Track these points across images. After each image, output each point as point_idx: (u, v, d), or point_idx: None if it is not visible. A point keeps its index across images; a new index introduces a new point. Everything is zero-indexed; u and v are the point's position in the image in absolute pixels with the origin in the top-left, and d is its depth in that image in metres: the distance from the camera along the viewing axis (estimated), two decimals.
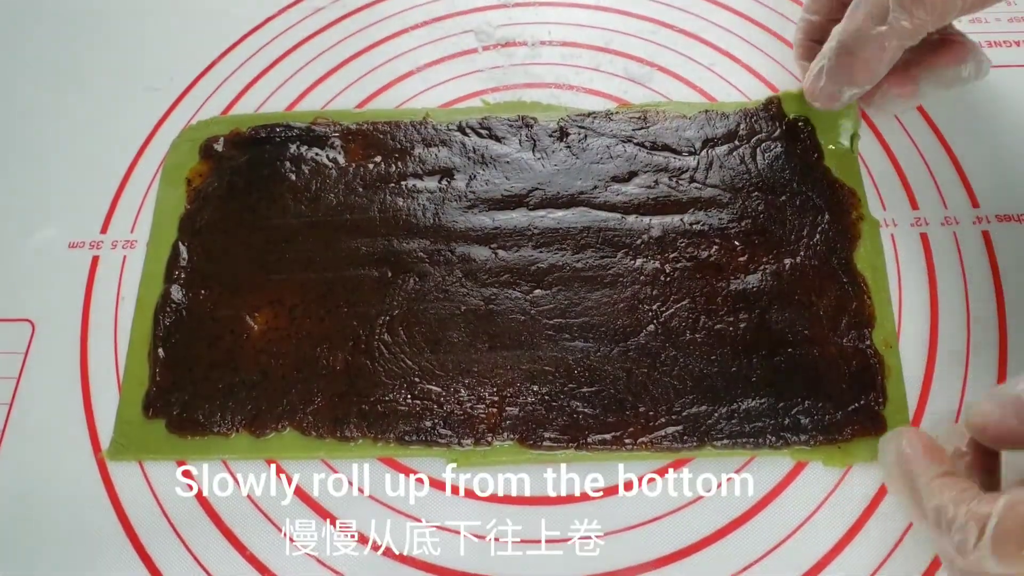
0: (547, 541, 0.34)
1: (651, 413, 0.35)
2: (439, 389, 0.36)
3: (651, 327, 0.37)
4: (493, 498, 0.35)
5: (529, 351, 0.37)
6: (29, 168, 0.44)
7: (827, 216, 0.39)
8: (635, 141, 0.42)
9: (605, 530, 0.34)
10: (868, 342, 0.36)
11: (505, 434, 0.35)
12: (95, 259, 0.41)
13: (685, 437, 0.35)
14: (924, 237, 0.40)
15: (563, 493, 0.35)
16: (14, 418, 0.37)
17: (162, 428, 0.36)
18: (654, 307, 0.38)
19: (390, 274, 0.39)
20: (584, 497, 0.35)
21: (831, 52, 0.37)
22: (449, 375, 0.36)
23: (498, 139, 0.42)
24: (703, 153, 0.41)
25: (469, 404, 0.36)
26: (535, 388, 0.36)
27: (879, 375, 0.36)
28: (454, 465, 0.35)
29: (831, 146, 0.41)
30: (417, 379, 0.36)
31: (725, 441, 0.35)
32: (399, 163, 0.42)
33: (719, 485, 0.35)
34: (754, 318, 0.37)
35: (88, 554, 0.34)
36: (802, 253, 0.38)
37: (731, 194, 0.40)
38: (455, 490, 0.35)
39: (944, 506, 0.28)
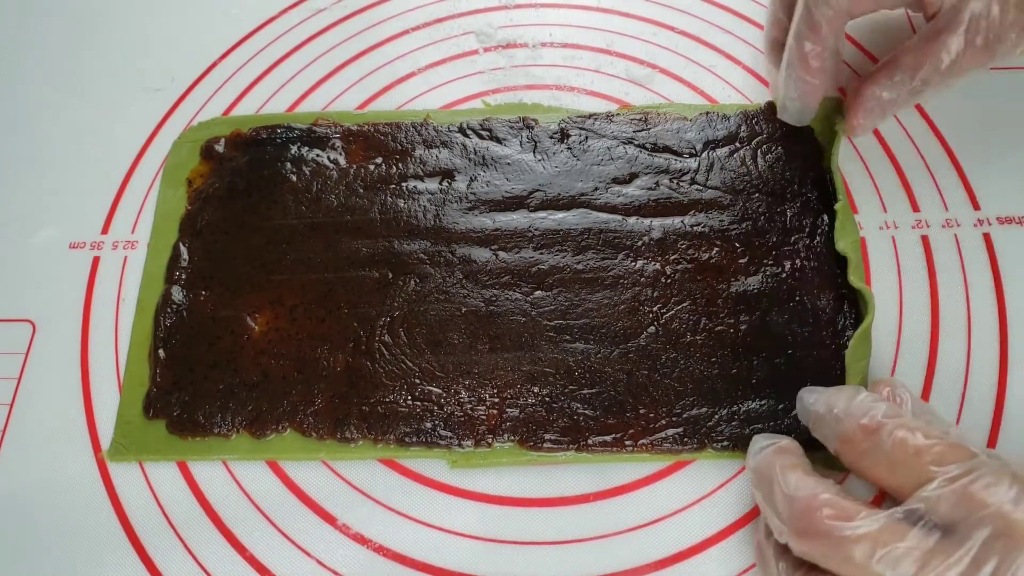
0: (547, 542, 0.34)
1: (651, 415, 0.35)
2: (439, 390, 0.36)
3: (652, 329, 0.37)
4: (493, 499, 0.35)
5: (530, 353, 0.37)
6: (30, 168, 0.44)
7: (827, 217, 0.39)
8: (636, 143, 0.42)
9: (605, 532, 0.34)
10: None
11: (505, 435, 0.35)
12: (96, 260, 0.41)
13: (685, 439, 0.35)
14: (925, 239, 0.40)
15: (563, 494, 0.35)
16: (14, 418, 0.37)
17: (162, 429, 0.36)
18: (655, 309, 0.38)
19: (391, 275, 0.39)
20: (584, 499, 0.35)
21: (785, 54, 0.38)
22: (449, 376, 0.36)
23: (499, 140, 0.42)
24: (704, 155, 0.41)
25: (469, 405, 0.36)
26: (535, 390, 0.36)
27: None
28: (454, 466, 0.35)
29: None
30: (417, 380, 0.36)
31: (725, 443, 0.35)
32: (400, 164, 0.42)
33: (719, 487, 0.35)
34: (755, 320, 0.37)
35: (88, 554, 0.34)
36: (802, 255, 0.38)
37: (732, 196, 0.40)
38: (455, 491, 0.35)
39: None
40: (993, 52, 0.34)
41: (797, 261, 0.38)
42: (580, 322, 0.37)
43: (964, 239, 0.40)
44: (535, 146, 0.42)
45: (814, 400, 0.31)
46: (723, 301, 0.38)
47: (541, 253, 0.39)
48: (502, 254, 0.39)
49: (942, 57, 0.35)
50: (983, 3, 0.34)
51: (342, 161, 0.42)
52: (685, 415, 0.35)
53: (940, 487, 0.26)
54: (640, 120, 0.43)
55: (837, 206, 0.39)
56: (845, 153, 0.42)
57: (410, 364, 0.37)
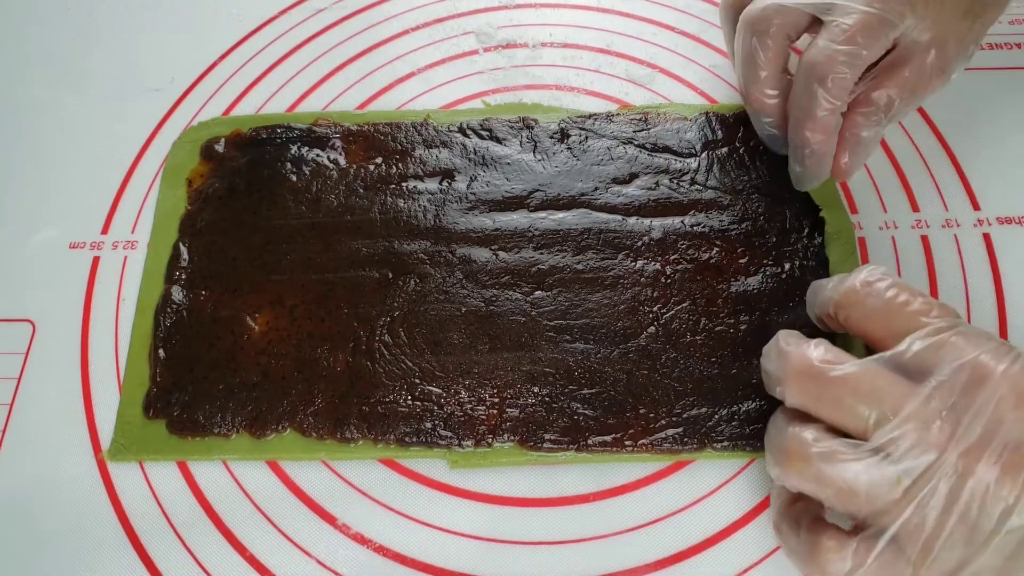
0: (547, 542, 0.34)
1: (651, 415, 0.35)
2: (439, 390, 0.36)
3: (652, 329, 0.37)
4: (493, 499, 0.35)
5: (529, 353, 0.37)
6: (30, 168, 0.44)
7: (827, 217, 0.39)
8: (636, 143, 0.42)
9: (605, 532, 0.34)
10: None
11: (505, 435, 0.35)
12: (96, 260, 0.41)
13: (685, 439, 0.35)
14: (925, 239, 0.40)
15: (563, 494, 0.35)
16: (14, 418, 0.37)
17: (162, 429, 0.36)
18: (655, 309, 0.38)
19: (391, 275, 0.39)
20: (584, 499, 0.35)
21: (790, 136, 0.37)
22: (449, 376, 0.36)
23: (499, 140, 0.42)
24: (704, 155, 0.41)
25: (469, 405, 0.36)
26: (535, 390, 0.36)
27: None
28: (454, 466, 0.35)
29: None
30: (417, 380, 0.36)
31: (725, 443, 0.35)
32: (400, 164, 0.42)
33: (719, 487, 0.35)
34: (755, 320, 0.37)
35: (88, 554, 0.34)
36: (802, 254, 0.38)
37: (731, 196, 0.40)
38: (455, 491, 0.35)
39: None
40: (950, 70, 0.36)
41: (797, 261, 0.38)
42: (580, 322, 0.37)
43: (964, 239, 0.40)
44: (535, 146, 0.42)
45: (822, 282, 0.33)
46: (723, 301, 0.38)
47: (541, 253, 0.39)
48: (502, 254, 0.39)
49: (912, 87, 0.35)
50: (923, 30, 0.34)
51: (342, 161, 0.42)
52: (685, 415, 0.35)
53: (926, 336, 0.28)
54: (640, 120, 0.43)
55: (822, 213, 0.39)
56: None
57: (410, 364, 0.37)
